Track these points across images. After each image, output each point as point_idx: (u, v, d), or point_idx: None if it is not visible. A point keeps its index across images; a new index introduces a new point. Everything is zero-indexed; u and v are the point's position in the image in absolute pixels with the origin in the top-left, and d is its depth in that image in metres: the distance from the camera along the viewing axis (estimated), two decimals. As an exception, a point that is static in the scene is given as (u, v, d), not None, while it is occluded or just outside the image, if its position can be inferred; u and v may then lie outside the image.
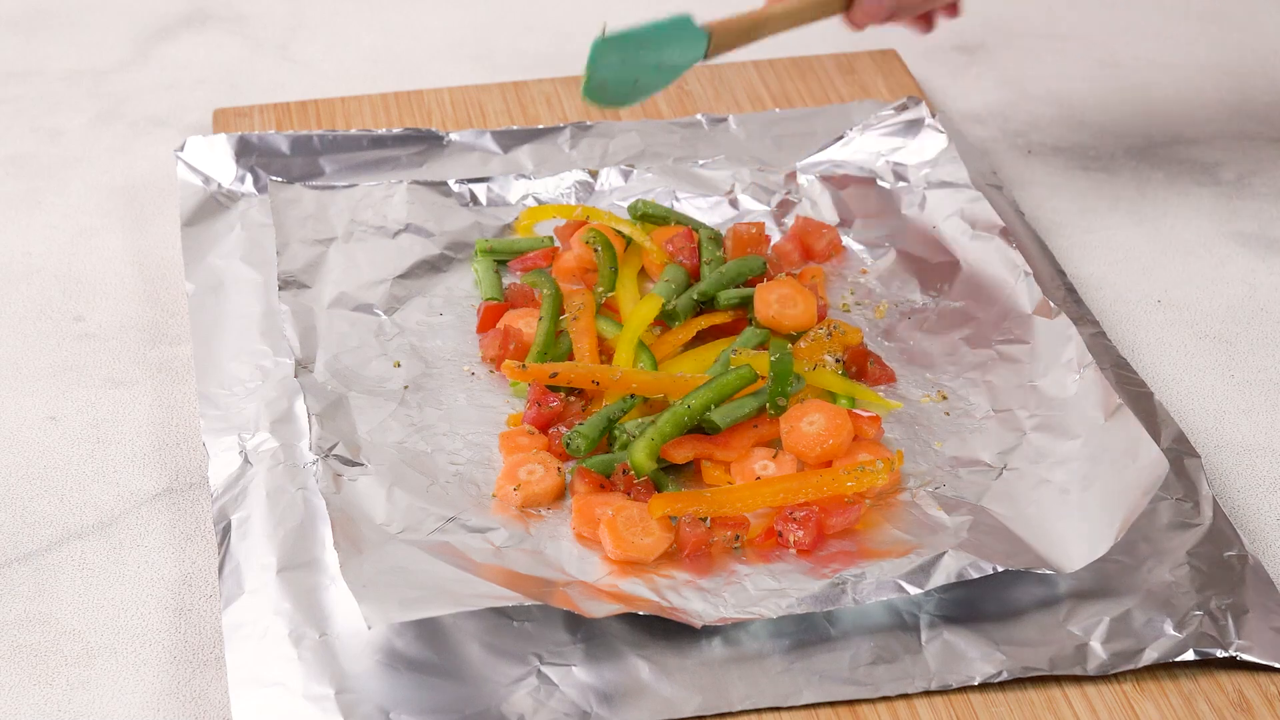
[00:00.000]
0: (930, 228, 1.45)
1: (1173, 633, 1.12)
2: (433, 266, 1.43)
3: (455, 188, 1.49)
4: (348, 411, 1.28)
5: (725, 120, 1.58)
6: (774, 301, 1.34)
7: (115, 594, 1.19)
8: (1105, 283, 1.46)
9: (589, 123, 1.57)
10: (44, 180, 1.58)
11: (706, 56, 1.39)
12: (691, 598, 1.14)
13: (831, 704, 1.09)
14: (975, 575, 1.12)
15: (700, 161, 1.53)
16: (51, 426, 1.32)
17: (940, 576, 1.13)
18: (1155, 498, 1.20)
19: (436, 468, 1.24)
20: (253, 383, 1.30)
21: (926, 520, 1.20)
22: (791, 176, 1.51)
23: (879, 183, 1.50)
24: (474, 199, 1.49)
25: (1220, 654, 1.11)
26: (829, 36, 1.77)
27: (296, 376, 1.29)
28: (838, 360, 1.31)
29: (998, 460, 1.25)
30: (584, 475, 1.22)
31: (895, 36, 1.76)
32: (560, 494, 1.23)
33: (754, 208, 1.49)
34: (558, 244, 1.44)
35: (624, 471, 1.22)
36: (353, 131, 1.55)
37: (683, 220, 1.45)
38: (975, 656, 1.11)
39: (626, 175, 1.51)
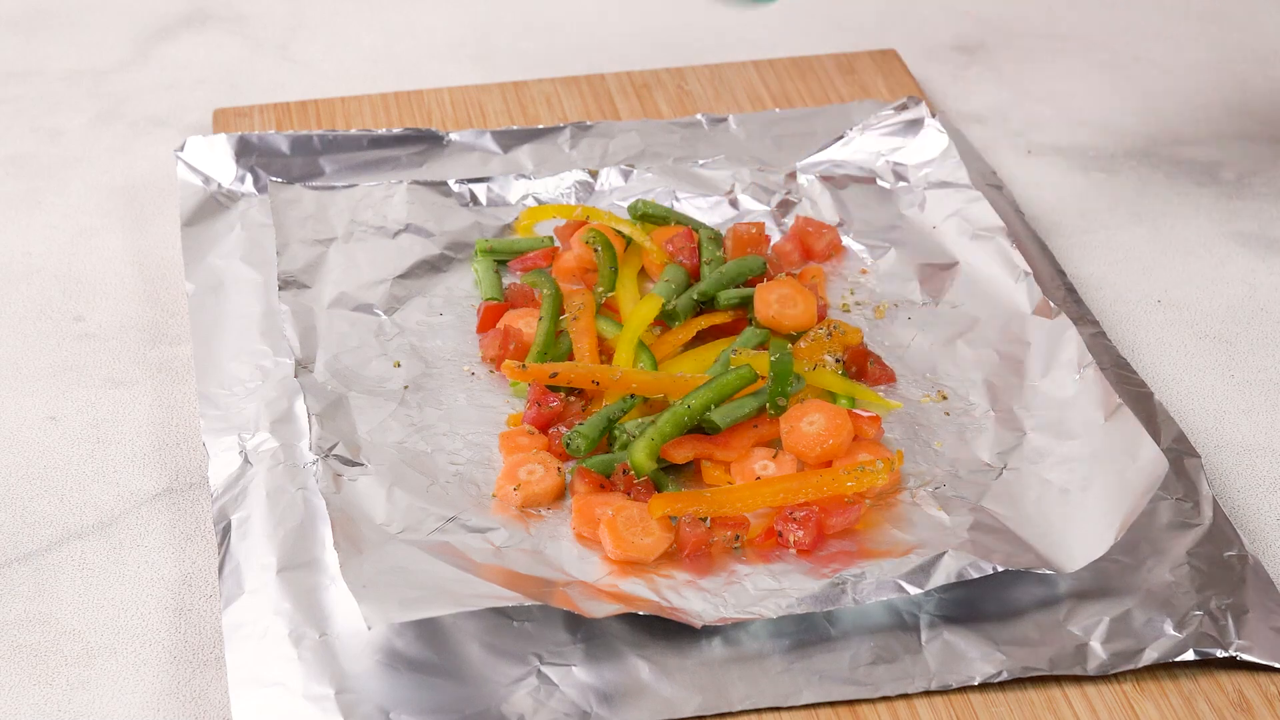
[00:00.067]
0: (930, 228, 1.45)
1: (1173, 633, 1.12)
2: (433, 266, 1.43)
3: (455, 188, 1.49)
4: (348, 411, 1.28)
5: (725, 120, 1.58)
6: (774, 301, 1.34)
7: (115, 594, 1.19)
8: (1105, 283, 1.46)
9: (589, 123, 1.57)
10: (44, 180, 1.58)
11: None
12: (691, 598, 1.14)
13: (831, 704, 1.09)
14: (975, 575, 1.12)
15: (700, 161, 1.53)
16: (51, 426, 1.32)
17: (940, 576, 1.13)
18: (1155, 498, 1.20)
19: (436, 468, 1.24)
20: (253, 383, 1.30)
21: (926, 520, 1.20)
22: (791, 176, 1.51)
23: (879, 183, 1.50)
24: (474, 199, 1.49)
25: (1220, 654, 1.11)
26: (829, 36, 1.77)
27: (296, 376, 1.29)
28: (838, 360, 1.31)
29: (998, 460, 1.25)
30: (584, 475, 1.22)
31: (895, 36, 1.76)
32: (560, 494, 1.23)
33: (754, 208, 1.49)
34: (558, 244, 1.44)
35: (624, 471, 1.22)
36: (353, 131, 1.55)
37: (683, 220, 1.45)
38: (975, 656, 1.11)
39: (626, 175, 1.51)
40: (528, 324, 1.35)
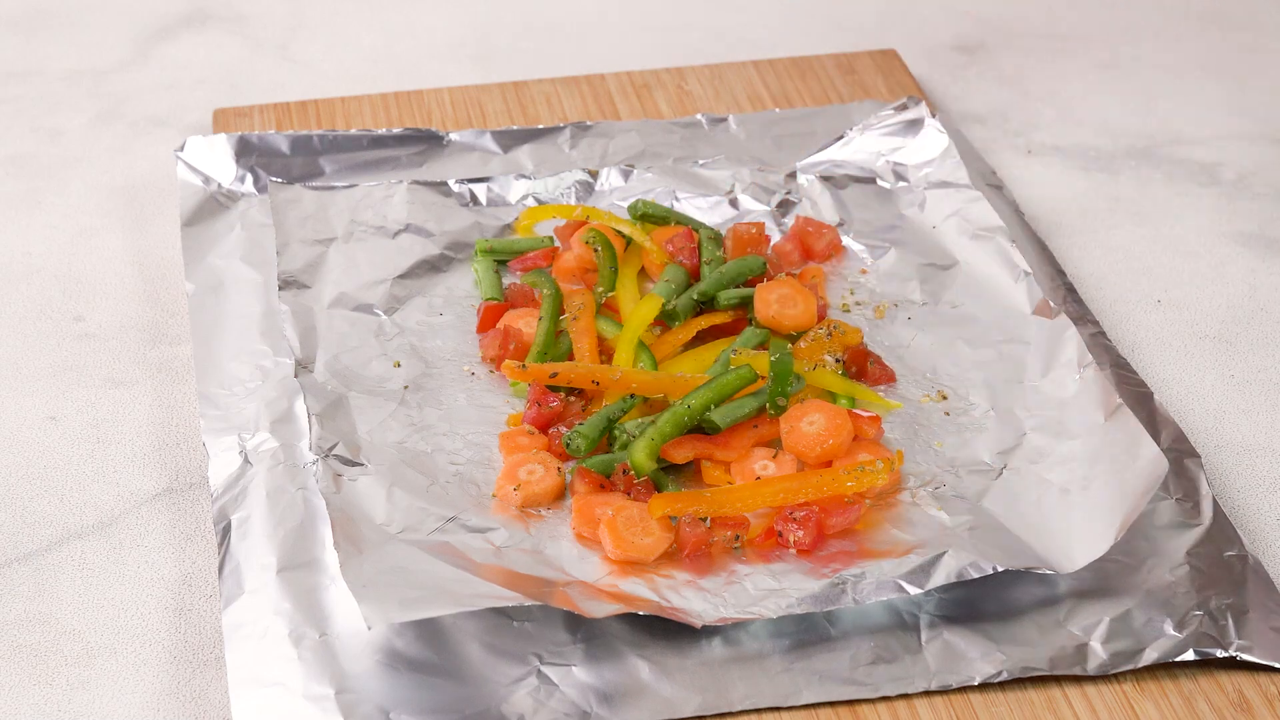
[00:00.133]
0: (930, 228, 1.45)
1: (1173, 633, 1.12)
2: (433, 266, 1.43)
3: (455, 188, 1.49)
4: (348, 411, 1.28)
5: (725, 120, 1.58)
6: (774, 301, 1.34)
7: (115, 594, 1.19)
8: (1105, 283, 1.46)
9: (589, 123, 1.57)
10: (44, 180, 1.58)
11: None
12: (691, 598, 1.14)
13: (831, 704, 1.09)
14: (975, 575, 1.12)
15: (700, 161, 1.53)
16: (51, 426, 1.32)
17: (940, 576, 1.13)
18: (1155, 498, 1.20)
19: (436, 468, 1.24)
20: (253, 383, 1.30)
21: (926, 520, 1.20)
22: (791, 176, 1.51)
23: (879, 183, 1.50)
24: (474, 199, 1.49)
25: (1220, 654, 1.11)
26: (829, 36, 1.77)
27: (296, 376, 1.29)
28: (838, 360, 1.31)
29: (998, 460, 1.25)
30: (584, 475, 1.22)
31: (895, 36, 1.76)
32: (560, 494, 1.23)
33: (754, 208, 1.49)
34: (558, 244, 1.44)
35: (624, 471, 1.22)
36: (353, 131, 1.55)
37: (683, 220, 1.45)
38: (975, 656, 1.11)
39: (626, 175, 1.51)
40: (528, 324, 1.35)
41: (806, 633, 1.13)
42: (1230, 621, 1.12)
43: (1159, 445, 1.21)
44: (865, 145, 1.52)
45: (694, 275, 1.40)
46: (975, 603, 1.14)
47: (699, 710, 1.09)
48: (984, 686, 1.10)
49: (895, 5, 1.82)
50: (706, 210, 1.49)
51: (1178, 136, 1.63)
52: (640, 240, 1.42)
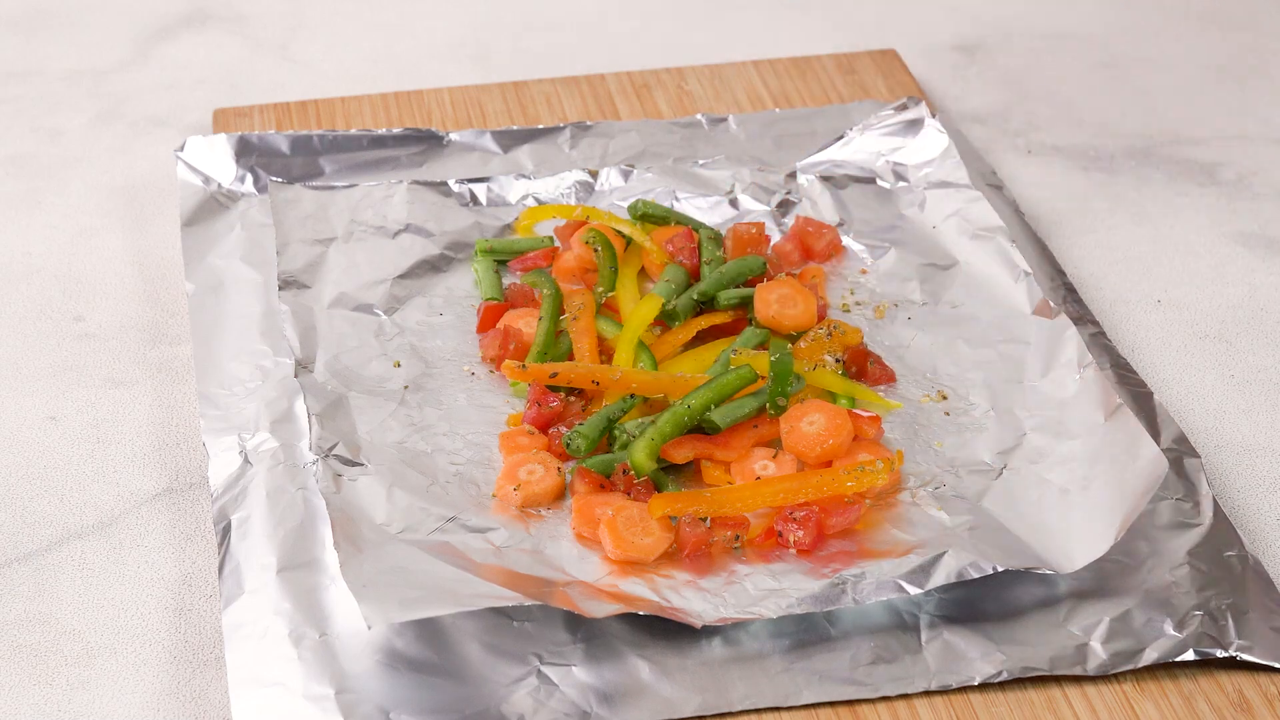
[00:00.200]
0: (930, 228, 1.45)
1: (1173, 633, 1.12)
2: (433, 266, 1.43)
3: (455, 188, 1.49)
4: (348, 411, 1.28)
5: (725, 120, 1.58)
6: (774, 301, 1.34)
7: (115, 594, 1.19)
8: (1105, 283, 1.46)
9: (589, 123, 1.57)
10: (44, 180, 1.58)
11: None
12: (691, 598, 1.14)
13: (831, 704, 1.09)
14: (975, 575, 1.12)
15: (700, 161, 1.53)
16: (51, 426, 1.32)
17: (940, 576, 1.13)
18: (1155, 498, 1.20)
19: (436, 468, 1.24)
20: (253, 383, 1.30)
21: (926, 520, 1.20)
22: (791, 176, 1.51)
23: (879, 183, 1.50)
24: (474, 199, 1.49)
25: (1220, 654, 1.11)
26: (829, 36, 1.77)
27: (296, 376, 1.29)
28: (838, 360, 1.31)
29: (998, 460, 1.25)
30: (584, 475, 1.22)
31: (895, 36, 1.76)
32: (560, 494, 1.23)
33: (754, 208, 1.49)
34: (558, 244, 1.44)
35: (624, 471, 1.22)
36: (353, 131, 1.55)
37: (683, 220, 1.45)
38: (975, 656, 1.11)
39: (626, 175, 1.51)
40: (528, 324, 1.35)
41: (806, 633, 1.13)
42: (1230, 621, 1.12)
43: (1159, 445, 1.21)
44: (865, 145, 1.52)
45: (694, 275, 1.40)
46: (975, 603, 1.14)
47: (699, 710, 1.09)
48: (984, 686, 1.10)
49: (895, 5, 1.82)
50: (706, 210, 1.49)
51: (1178, 136, 1.63)
52: (640, 240, 1.42)
